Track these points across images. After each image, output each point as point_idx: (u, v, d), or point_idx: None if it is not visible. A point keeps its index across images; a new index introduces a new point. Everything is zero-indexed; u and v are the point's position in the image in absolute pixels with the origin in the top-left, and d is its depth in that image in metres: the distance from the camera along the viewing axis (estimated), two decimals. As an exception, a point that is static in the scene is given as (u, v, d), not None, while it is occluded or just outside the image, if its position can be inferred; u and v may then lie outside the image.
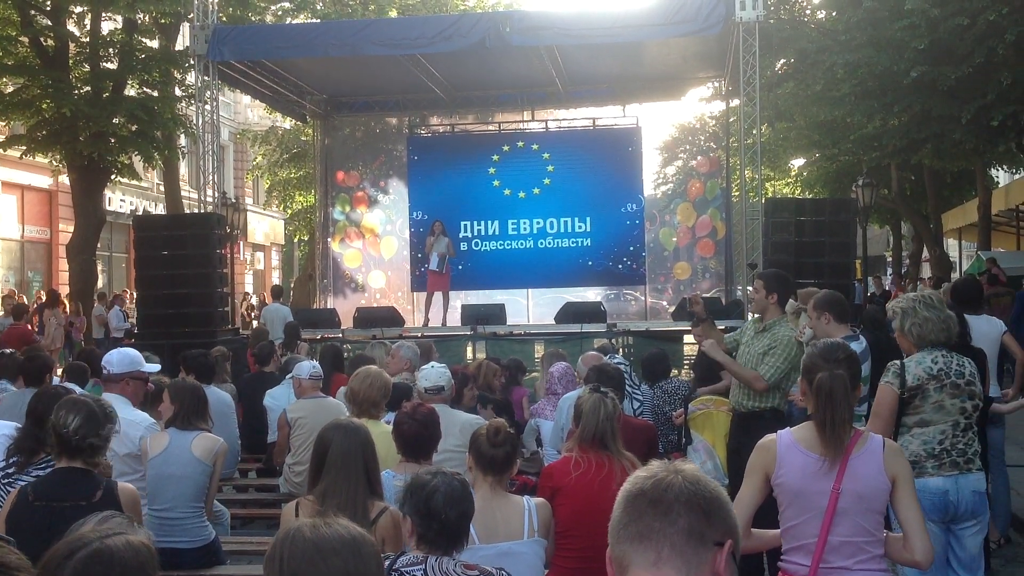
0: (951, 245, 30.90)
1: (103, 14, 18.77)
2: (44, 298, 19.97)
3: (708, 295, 17.09)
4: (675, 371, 10.99)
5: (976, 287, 8.06)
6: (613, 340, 14.09)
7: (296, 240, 37.29)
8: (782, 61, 21.68)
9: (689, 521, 1.65)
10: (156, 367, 6.35)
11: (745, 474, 3.66)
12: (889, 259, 37.46)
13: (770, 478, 3.56)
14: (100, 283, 22.39)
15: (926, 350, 4.64)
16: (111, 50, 18.77)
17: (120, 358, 5.65)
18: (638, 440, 5.48)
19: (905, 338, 4.73)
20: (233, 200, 20.92)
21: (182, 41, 21.82)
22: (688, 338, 14.64)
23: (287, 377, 7.83)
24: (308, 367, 7.12)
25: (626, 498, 1.71)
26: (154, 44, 20.15)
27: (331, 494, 3.72)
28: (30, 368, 6.78)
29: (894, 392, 4.59)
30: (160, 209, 26.72)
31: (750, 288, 6.72)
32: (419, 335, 14.80)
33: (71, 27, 18.57)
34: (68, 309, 19.09)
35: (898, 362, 4.65)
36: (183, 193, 23.56)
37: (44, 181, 23.76)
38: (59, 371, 8.27)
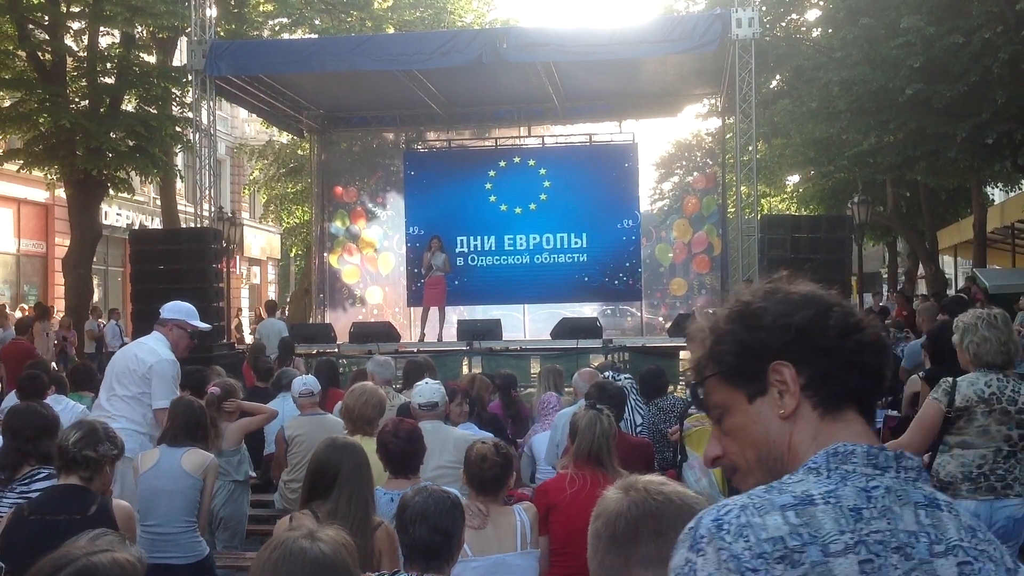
0: (947, 262, 30.92)
1: (101, 28, 18.79)
2: (32, 311, 19.87)
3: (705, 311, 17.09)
4: (671, 387, 10.98)
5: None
6: (609, 356, 14.09)
7: (292, 254, 37.26)
8: (778, 78, 21.76)
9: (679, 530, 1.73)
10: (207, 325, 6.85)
11: None
12: (885, 276, 37.47)
13: None
14: (96, 297, 22.33)
15: (982, 371, 4.53)
16: (108, 65, 18.79)
17: (171, 306, 6.42)
18: (635, 457, 5.46)
19: (963, 354, 4.64)
20: (230, 214, 20.93)
21: (179, 57, 21.87)
22: (684, 354, 14.64)
23: (289, 393, 7.79)
24: (299, 384, 7.07)
25: (607, 537, 1.76)
26: (151, 59, 20.16)
27: (343, 513, 3.75)
28: (27, 385, 6.81)
29: (940, 409, 4.51)
30: (156, 223, 26.70)
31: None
32: (415, 350, 14.80)
33: (69, 41, 18.57)
34: (60, 323, 19.02)
35: (950, 379, 4.57)
36: (180, 207, 23.54)
37: (40, 195, 23.74)
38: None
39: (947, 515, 1.38)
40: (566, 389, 8.46)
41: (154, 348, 6.17)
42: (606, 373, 7.68)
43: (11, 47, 17.99)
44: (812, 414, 1.45)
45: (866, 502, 1.35)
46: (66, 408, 6.64)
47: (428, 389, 5.74)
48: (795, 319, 1.46)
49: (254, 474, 7.03)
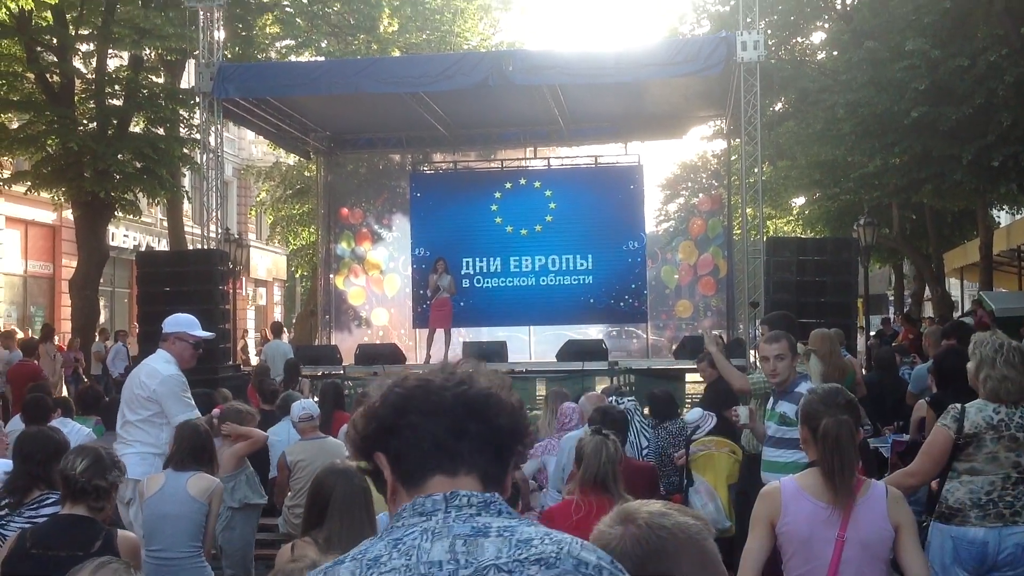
0: (953, 285, 30.88)
1: (109, 51, 18.91)
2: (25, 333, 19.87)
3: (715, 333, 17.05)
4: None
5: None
6: (615, 378, 14.07)
7: (298, 276, 37.31)
8: (783, 100, 21.80)
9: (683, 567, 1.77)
10: (209, 334, 6.92)
11: (750, 525, 3.62)
12: (891, 298, 37.39)
13: (775, 526, 3.52)
14: (102, 318, 22.35)
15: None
16: (117, 87, 18.89)
17: (171, 320, 6.47)
18: (639, 482, 5.45)
19: (978, 386, 4.57)
20: (236, 236, 20.98)
21: (187, 79, 22.00)
22: (690, 376, 14.61)
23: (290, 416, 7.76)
24: (298, 409, 7.04)
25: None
26: (160, 82, 20.28)
27: (336, 540, 3.72)
28: (31, 408, 6.81)
29: (949, 436, 4.47)
30: (163, 245, 26.74)
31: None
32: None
33: (77, 63, 18.70)
34: (66, 344, 19.03)
35: (959, 406, 4.54)
36: (186, 229, 23.62)
37: (48, 216, 23.84)
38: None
39: (493, 540, 1.46)
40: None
41: (155, 368, 6.17)
42: (609, 398, 7.68)
43: (20, 69, 18.11)
44: (403, 491, 1.57)
45: (391, 549, 1.45)
46: (72, 431, 6.64)
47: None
48: (368, 410, 1.61)
49: (261, 500, 6.91)
